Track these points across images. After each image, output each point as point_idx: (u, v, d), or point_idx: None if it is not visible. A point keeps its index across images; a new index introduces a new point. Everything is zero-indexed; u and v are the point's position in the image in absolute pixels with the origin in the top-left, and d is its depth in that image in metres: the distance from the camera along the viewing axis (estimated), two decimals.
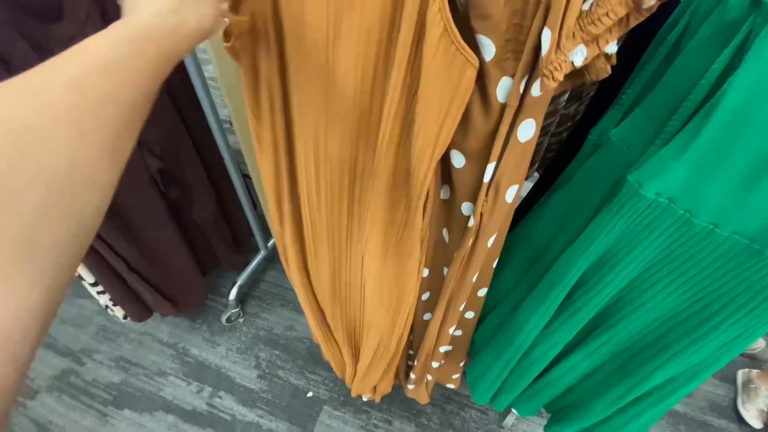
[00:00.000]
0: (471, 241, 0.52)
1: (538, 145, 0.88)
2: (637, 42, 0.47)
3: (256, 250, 1.32)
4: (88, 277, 0.95)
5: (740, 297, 0.43)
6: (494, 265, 0.61)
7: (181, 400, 1.14)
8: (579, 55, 0.31)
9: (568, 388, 0.72)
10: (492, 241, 0.53)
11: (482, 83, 0.37)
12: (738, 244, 0.40)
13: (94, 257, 0.89)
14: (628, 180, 0.41)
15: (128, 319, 1.09)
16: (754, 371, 1.14)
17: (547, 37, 0.29)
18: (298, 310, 1.33)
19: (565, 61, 0.30)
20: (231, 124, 1.11)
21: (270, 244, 1.32)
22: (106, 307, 1.06)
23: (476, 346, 0.87)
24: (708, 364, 0.51)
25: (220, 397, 1.15)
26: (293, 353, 1.24)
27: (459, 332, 0.81)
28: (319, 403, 1.14)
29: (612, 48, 0.34)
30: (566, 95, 0.75)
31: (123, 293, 1.00)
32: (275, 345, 1.26)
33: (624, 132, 0.44)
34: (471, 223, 0.50)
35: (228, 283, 1.36)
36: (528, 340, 0.63)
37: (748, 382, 1.12)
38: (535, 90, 0.36)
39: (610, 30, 0.31)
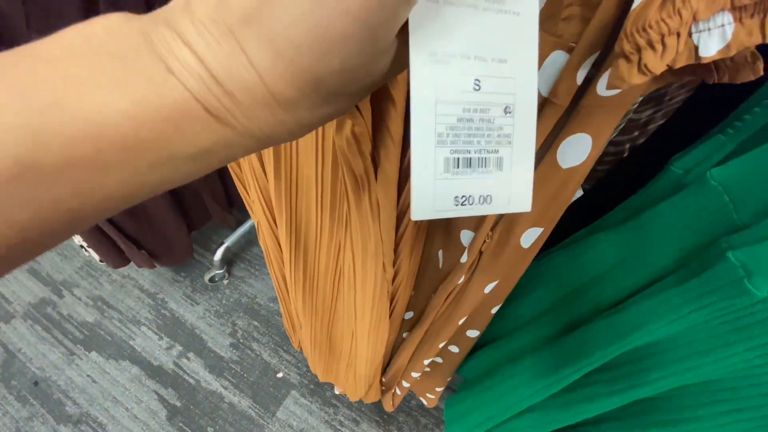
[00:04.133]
0: (462, 279, 0.37)
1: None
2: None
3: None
4: (77, 238, 0.88)
5: None
6: (493, 311, 0.46)
7: (149, 353, 1.10)
8: (716, 36, 0.15)
9: None
10: (491, 287, 0.38)
11: None
12: None
13: None
14: (728, 257, 0.25)
15: (104, 263, 1.03)
16: None
17: None
18: None
19: (672, 37, 0.14)
20: None
21: None
22: (81, 246, 1.00)
23: (463, 372, 0.74)
24: None
25: (188, 359, 1.09)
26: (272, 327, 1.16)
27: (440, 359, 0.69)
28: (287, 386, 1.06)
29: None
30: None
31: (98, 240, 0.93)
32: (255, 315, 1.18)
33: (730, 177, 0.27)
34: (464, 258, 0.35)
35: (221, 239, 1.28)
36: (519, 406, 0.49)
37: None
38: (601, 87, 0.20)
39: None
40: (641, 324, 0.31)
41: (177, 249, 1.08)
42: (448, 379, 0.73)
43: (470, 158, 0.15)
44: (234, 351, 1.11)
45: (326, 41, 0.12)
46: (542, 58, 0.20)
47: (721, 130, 0.31)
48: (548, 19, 0.19)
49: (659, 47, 0.14)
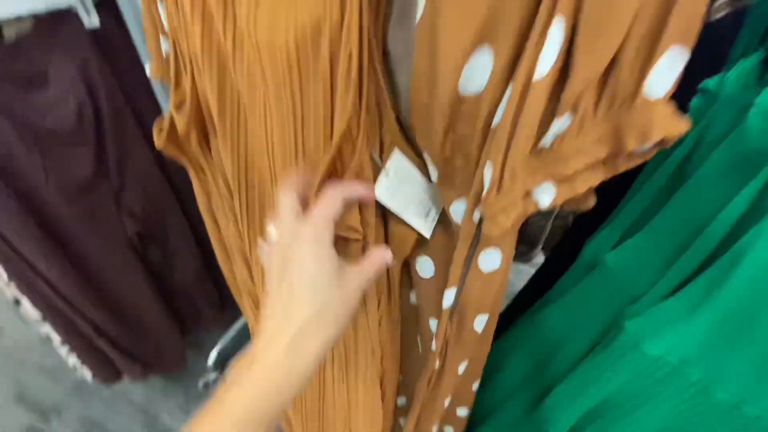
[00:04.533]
0: (437, 364, 0.43)
1: (541, 228, 0.79)
2: None
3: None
4: (55, 337, 0.90)
5: None
6: (474, 387, 0.50)
7: None
8: (546, 195, 0.24)
9: None
10: (463, 367, 0.43)
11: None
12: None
13: (61, 319, 0.85)
14: (626, 328, 0.32)
15: (96, 380, 1.02)
16: None
17: (487, 175, 0.22)
18: None
19: (514, 205, 0.23)
20: None
21: None
22: (74, 367, 1.00)
23: None
24: None
25: None
26: None
27: None
28: None
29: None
30: None
31: (91, 355, 0.94)
32: None
33: (621, 259, 0.36)
34: (434, 346, 0.41)
35: (213, 342, 1.28)
36: None
37: None
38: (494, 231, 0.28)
39: (593, 170, 0.24)
40: (585, 388, 0.37)
41: (171, 356, 1.09)
42: None
43: None
44: None
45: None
46: (450, 203, 0.29)
47: (614, 216, 0.40)
48: (446, 183, 0.28)
49: (506, 210, 0.23)
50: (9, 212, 0.65)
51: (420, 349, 0.50)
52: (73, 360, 0.98)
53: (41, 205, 0.68)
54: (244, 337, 1.30)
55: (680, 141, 0.31)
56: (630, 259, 0.36)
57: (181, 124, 0.32)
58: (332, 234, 0.27)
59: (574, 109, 0.21)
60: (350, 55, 0.23)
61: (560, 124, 0.22)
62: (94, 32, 0.66)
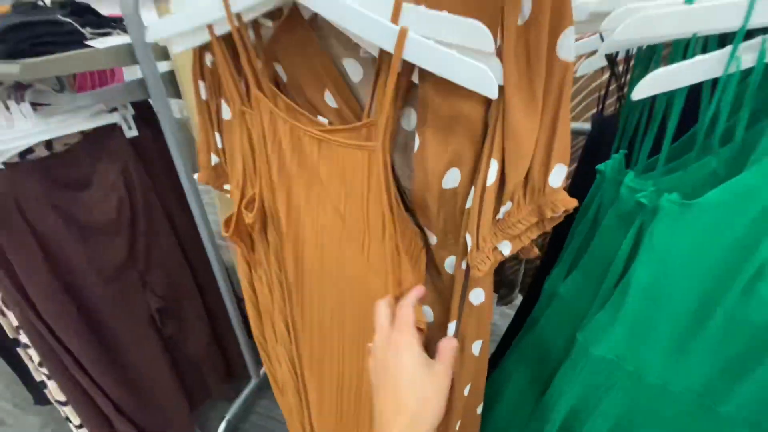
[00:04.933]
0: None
1: (515, 272, 0.93)
2: None
3: (247, 379, 1.28)
4: (74, 419, 0.93)
5: None
6: (478, 411, 0.60)
7: None
8: (506, 248, 0.38)
9: None
10: (468, 390, 0.54)
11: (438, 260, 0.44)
12: (691, 401, 0.41)
13: (83, 398, 0.89)
14: (578, 338, 0.45)
15: None
16: None
17: (469, 241, 0.36)
18: None
19: (488, 257, 0.36)
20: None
21: (261, 372, 1.29)
22: None
23: None
24: None
25: None
26: None
27: None
28: None
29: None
30: None
31: (98, 426, 0.96)
32: None
33: (569, 289, 0.49)
34: None
35: (218, 416, 1.29)
36: None
37: None
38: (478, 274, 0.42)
39: (531, 229, 0.38)
40: (559, 396, 0.49)
41: (181, 430, 1.11)
42: None
43: None
44: None
45: None
46: (444, 260, 0.43)
47: (563, 253, 0.54)
48: (442, 246, 0.42)
49: (485, 261, 0.36)
50: (53, 297, 0.74)
51: None
52: None
53: (80, 288, 0.77)
54: (251, 402, 1.32)
55: (592, 202, 0.47)
56: (574, 288, 0.49)
57: (249, 219, 0.45)
58: (417, 337, 0.35)
59: (512, 198, 0.35)
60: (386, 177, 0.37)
61: (506, 207, 0.36)
62: (132, 141, 0.81)
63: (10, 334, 0.83)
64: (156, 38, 0.47)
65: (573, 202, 0.35)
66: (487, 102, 0.33)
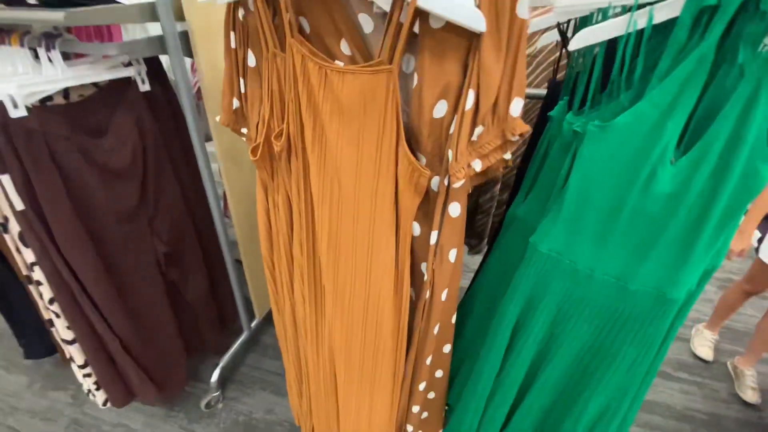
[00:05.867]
0: (428, 293, 0.66)
1: (483, 224, 1.08)
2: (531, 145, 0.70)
3: (239, 333, 1.38)
4: (79, 359, 1.00)
5: (628, 325, 0.58)
6: (453, 320, 0.74)
7: None
8: (477, 165, 0.51)
9: None
10: (445, 294, 0.67)
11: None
12: (610, 283, 0.56)
13: (90, 336, 0.96)
14: (530, 241, 0.59)
15: (108, 405, 1.10)
16: (736, 357, 1.43)
17: (450, 155, 0.49)
18: (279, 393, 1.35)
19: (463, 168, 0.49)
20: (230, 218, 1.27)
21: (253, 325, 1.39)
22: (89, 391, 1.08)
23: (450, 408, 0.94)
24: (627, 384, 0.63)
25: None
26: None
27: (432, 395, 0.89)
28: None
29: (507, 156, 0.54)
30: (498, 185, 0.97)
31: (110, 375, 1.04)
32: (254, 430, 1.25)
33: (526, 210, 0.63)
34: (426, 278, 0.65)
35: (208, 368, 1.38)
36: (487, 385, 0.74)
37: (734, 368, 1.41)
38: (456, 184, 0.55)
39: (496, 150, 0.51)
40: (515, 291, 0.63)
41: (177, 377, 1.19)
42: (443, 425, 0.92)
43: None
44: None
45: None
46: (430, 180, 0.55)
47: (523, 185, 0.68)
48: (429, 167, 0.54)
49: (461, 171, 0.49)
50: (73, 232, 0.81)
51: (414, 297, 0.73)
52: (88, 384, 1.06)
53: (98, 227, 0.85)
54: (241, 356, 1.41)
55: (544, 141, 0.61)
56: (529, 208, 0.64)
57: (278, 147, 0.56)
58: None
59: (483, 123, 0.48)
60: (396, 107, 0.49)
61: (479, 130, 0.49)
62: (145, 94, 0.88)
63: (24, 271, 0.89)
64: None
65: (527, 128, 0.49)
66: (468, 47, 0.45)
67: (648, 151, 0.46)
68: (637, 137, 0.46)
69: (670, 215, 0.48)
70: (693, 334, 1.57)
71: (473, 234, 1.08)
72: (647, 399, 1.35)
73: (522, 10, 0.42)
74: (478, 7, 0.42)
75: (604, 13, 0.46)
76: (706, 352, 1.48)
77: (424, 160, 0.55)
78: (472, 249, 1.12)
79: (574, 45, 0.46)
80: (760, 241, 1.21)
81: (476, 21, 0.42)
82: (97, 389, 1.07)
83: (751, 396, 1.32)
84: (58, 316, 0.93)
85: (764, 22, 0.39)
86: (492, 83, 0.46)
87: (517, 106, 0.48)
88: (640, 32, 0.43)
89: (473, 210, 1.05)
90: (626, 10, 0.45)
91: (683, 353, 1.53)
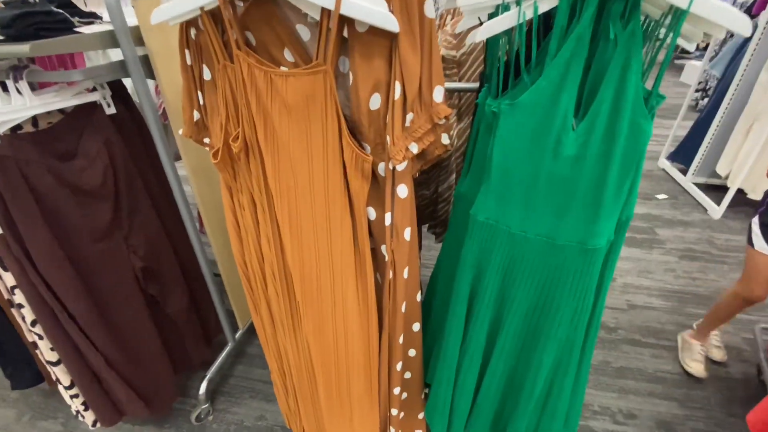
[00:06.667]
0: (391, 273, 0.72)
1: (445, 212, 1.15)
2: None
3: (224, 346, 1.40)
4: (65, 380, 1.02)
5: (562, 277, 0.65)
6: (418, 298, 0.80)
7: None
8: (414, 148, 0.58)
9: (500, 402, 0.86)
10: (407, 272, 0.74)
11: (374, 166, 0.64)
12: (542, 242, 0.64)
13: (74, 355, 0.98)
14: (470, 213, 0.66)
15: (97, 425, 1.11)
16: (686, 332, 1.47)
17: (388, 140, 0.56)
18: (268, 399, 1.38)
19: (401, 151, 0.56)
20: (205, 233, 1.31)
21: (237, 336, 1.42)
22: (77, 413, 1.09)
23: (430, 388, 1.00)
24: (573, 337, 0.70)
25: None
26: None
27: (408, 374, 0.95)
28: None
29: (445, 140, 0.61)
30: (454, 175, 1.05)
31: (97, 394, 1.05)
32: None
33: (467, 186, 0.71)
34: (387, 258, 0.71)
35: (196, 384, 1.39)
36: (454, 355, 0.80)
37: (683, 342, 1.46)
38: (399, 167, 0.62)
39: (428, 133, 0.59)
40: (465, 261, 0.70)
41: (165, 393, 1.21)
42: (423, 406, 0.97)
43: None
44: None
45: None
46: (377, 166, 0.62)
47: (465, 168, 0.75)
48: (374, 154, 0.61)
49: (399, 154, 0.56)
50: (50, 252, 0.84)
51: (381, 281, 0.79)
52: (76, 405, 1.08)
53: (74, 246, 0.88)
54: (229, 368, 1.43)
55: (476, 123, 0.68)
56: (469, 185, 0.71)
57: (236, 148, 0.62)
58: None
59: (412, 109, 0.56)
60: (335, 102, 0.56)
61: (410, 117, 0.56)
62: (112, 117, 0.93)
63: (5, 295, 0.92)
64: (159, 20, 0.62)
65: (450, 111, 0.56)
66: (390, 46, 0.53)
67: (550, 120, 0.54)
68: (540, 110, 0.54)
69: (577, 175, 0.56)
70: (680, 345, 1.46)
71: (438, 223, 1.16)
72: (620, 366, 1.43)
73: (429, 10, 0.50)
74: (392, 11, 0.49)
75: (504, 8, 0.55)
76: (697, 367, 1.35)
77: (368, 149, 0.62)
78: (438, 237, 1.20)
79: (478, 37, 0.54)
80: (750, 232, 1.08)
81: (390, 23, 0.49)
82: (86, 410, 1.08)
83: (717, 354, 1.41)
84: (41, 337, 0.95)
85: (623, 1, 0.48)
86: (413, 74, 0.53)
87: (438, 93, 0.56)
88: (540, 22, 0.52)
89: (435, 200, 1.13)
90: (520, 4, 0.54)
91: (650, 320, 1.63)
